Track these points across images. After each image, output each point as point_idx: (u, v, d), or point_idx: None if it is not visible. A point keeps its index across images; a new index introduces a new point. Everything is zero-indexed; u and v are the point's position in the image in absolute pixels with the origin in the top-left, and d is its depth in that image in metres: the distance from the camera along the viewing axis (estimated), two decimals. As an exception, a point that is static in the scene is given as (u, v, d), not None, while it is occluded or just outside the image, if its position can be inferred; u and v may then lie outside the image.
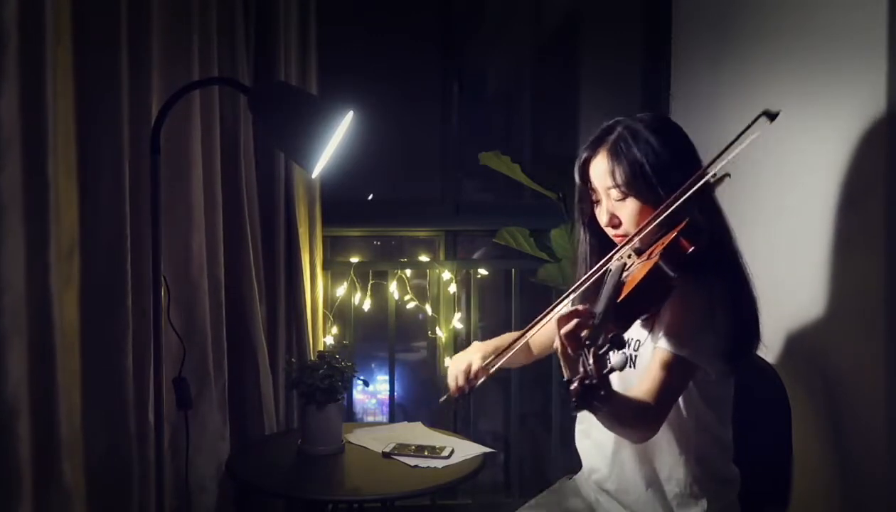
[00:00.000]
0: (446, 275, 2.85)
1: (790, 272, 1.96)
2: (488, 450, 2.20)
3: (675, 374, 1.48)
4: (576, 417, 1.77)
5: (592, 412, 1.25)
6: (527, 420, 3.17)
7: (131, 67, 2.12)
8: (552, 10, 3.33)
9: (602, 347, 1.24)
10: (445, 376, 1.84)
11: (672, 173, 1.51)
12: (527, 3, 3.29)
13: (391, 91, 3.03)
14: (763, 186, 2.09)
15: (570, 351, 1.32)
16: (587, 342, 1.25)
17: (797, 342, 1.97)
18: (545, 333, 1.91)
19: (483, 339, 2.96)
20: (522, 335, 1.71)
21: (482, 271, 2.94)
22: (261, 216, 2.54)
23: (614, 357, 1.23)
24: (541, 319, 1.67)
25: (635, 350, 1.57)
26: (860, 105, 1.74)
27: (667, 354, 1.48)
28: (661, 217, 1.45)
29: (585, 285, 1.55)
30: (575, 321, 1.31)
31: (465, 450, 2.19)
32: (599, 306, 1.36)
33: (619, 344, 1.23)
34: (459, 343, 2.93)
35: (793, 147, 2.02)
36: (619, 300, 1.36)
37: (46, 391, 1.87)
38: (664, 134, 1.56)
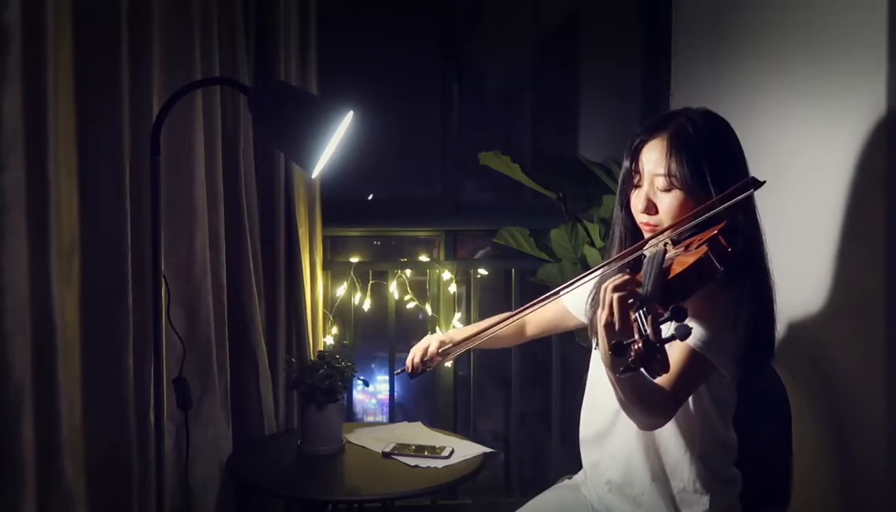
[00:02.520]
0: (446, 275, 2.85)
1: (790, 272, 1.96)
2: (488, 450, 2.21)
3: (693, 369, 1.48)
4: (577, 411, 1.77)
5: (651, 374, 1.25)
6: (527, 420, 3.17)
7: (132, 67, 2.12)
8: (552, 10, 3.33)
9: (661, 316, 1.26)
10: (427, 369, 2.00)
11: (726, 175, 1.51)
12: (527, 3, 3.30)
13: (391, 91, 3.03)
14: (763, 187, 2.08)
15: (615, 318, 1.32)
16: (643, 309, 1.27)
17: (797, 342, 1.97)
18: (546, 313, 1.91)
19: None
20: (486, 329, 1.84)
21: (482, 271, 2.94)
22: (261, 216, 2.54)
23: (677, 328, 1.23)
24: (527, 308, 1.70)
25: None
26: (860, 105, 1.74)
27: (689, 349, 1.48)
28: (702, 218, 1.45)
29: (615, 267, 1.56)
30: (629, 288, 1.32)
31: (465, 450, 2.19)
32: (646, 282, 1.37)
33: (681, 315, 1.23)
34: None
35: (793, 147, 2.02)
36: (669, 277, 1.37)
37: (48, 391, 1.87)
38: (723, 134, 1.57)
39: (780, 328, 1.98)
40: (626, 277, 1.37)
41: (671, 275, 1.38)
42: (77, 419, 2.01)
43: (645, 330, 1.25)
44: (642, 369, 1.23)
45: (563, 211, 2.67)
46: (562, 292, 1.68)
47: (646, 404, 1.46)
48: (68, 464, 1.91)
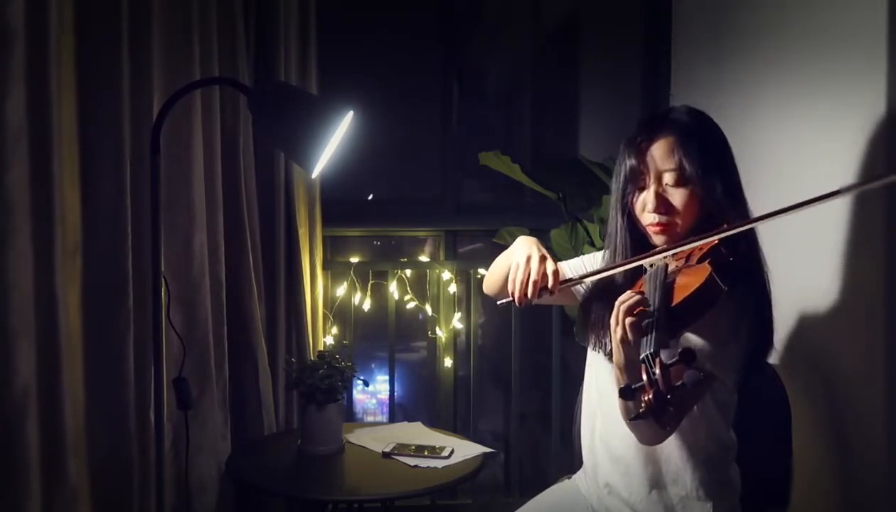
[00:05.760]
0: (446, 275, 2.85)
1: (790, 272, 1.96)
2: (488, 450, 2.20)
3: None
4: (578, 414, 1.76)
5: (661, 425, 1.24)
6: (527, 420, 3.17)
7: (132, 67, 2.12)
8: (552, 10, 3.33)
9: (670, 359, 1.24)
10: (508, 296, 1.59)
11: (728, 168, 1.53)
12: (527, 3, 3.30)
13: (391, 91, 3.03)
14: (762, 187, 2.08)
15: (630, 337, 1.34)
16: (651, 352, 1.26)
17: (797, 342, 1.97)
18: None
19: (483, 338, 2.97)
20: (605, 270, 1.58)
21: (482, 271, 2.94)
22: (261, 216, 2.54)
23: (686, 374, 1.21)
24: (616, 267, 1.58)
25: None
26: (860, 105, 1.74)
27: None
28: (712, 239, 1.42)
29: (621, 270, 1.55)
30: (640, 310, 1.34)
31: (465, 450, 2.19)
32: (651, 304, 1.36)
33: (690, 358, 1.21)
34: (459, 343, 2.93)
35: (793, 147, 2.02)
36: (673, 305, 1.35)
37: (52, 391, 1.87)
38: (717, 128, 1.59)
39: (781, 328, 1.98)
40: (639, 297, 1.37)
41: (675, 302, 1.36)
42: (80, 419, 2.01)
43: (654, 375, 1.22)
44: (651, 417, 1.21)
45: (563, 211, 2.66)
46: (589, 278, 1.62)
47: (652, 427, 1.45)
48: (72, 464, 1.91)
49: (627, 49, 3.08)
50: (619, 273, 1.58)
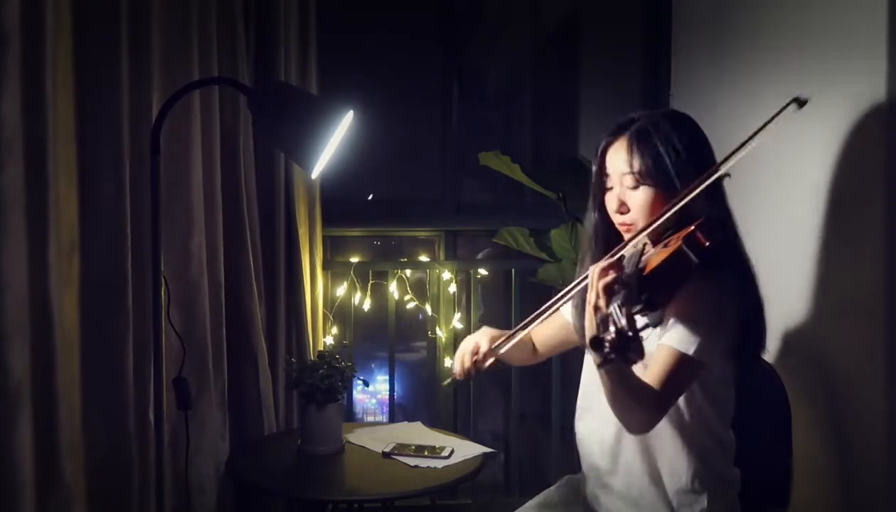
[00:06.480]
0: (446, 275, 2.85)
1: (790, 272, 1.96)
2: (488, 450, 2.20)
3: (679, 369, 1.49)
4: (575, 413, 1.77)
5: (626, 362, 1.27)
6: (527, 420, 3.17)
7: (131, 67, 2.12)
8: (552, 10, 3.33)
9: (634, 306, 1.29)
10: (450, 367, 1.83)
11: (689, 167, 1.54)
12: (527, 3, 3.30)
13: (391, 91, 3.03)
14: (762, 186, 2.09)
15: (602, 302, 1.35)
16: (619, 304, 1.29)
17: (797, 342, 1.97)
18: (551, 328, 1.89)
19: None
20: (532, 320, 1.70)
21: (482, 271, 2.94)
22: (261, 216, 2.54)
23: (650, 314, 1.28)
24: (552, 305, 1.64)
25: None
26: (860, 104, 1.74)
27: (672, 351, 1.49)
28: (675, 208, 1.47)
29: (571, 293, 1.58)
30: (612, 274, 1.37)
31: (465, 450, 2.19)
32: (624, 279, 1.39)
33: (652, 306, 1.28)
34: (459, 343, 2.93)
35: (792, 146, 2.02)
36: (645, 273, 1.39)
37: (47, 391, 1.87)
38: (683, 128, 1.59)
39: (780, 328, 1.98)
40: (611, 260, 1.41)
41: (647, 270, 1.40)
42: (76, 419, 2.01)
43: (620, 322, 1.27)
44: (616, 356, 1.25)
45: (563, 211, 2.66)
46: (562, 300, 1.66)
47: (633, 403, 1.48)
48: (67, 464, 1.91)
49: (627, 49, 3.08)
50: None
